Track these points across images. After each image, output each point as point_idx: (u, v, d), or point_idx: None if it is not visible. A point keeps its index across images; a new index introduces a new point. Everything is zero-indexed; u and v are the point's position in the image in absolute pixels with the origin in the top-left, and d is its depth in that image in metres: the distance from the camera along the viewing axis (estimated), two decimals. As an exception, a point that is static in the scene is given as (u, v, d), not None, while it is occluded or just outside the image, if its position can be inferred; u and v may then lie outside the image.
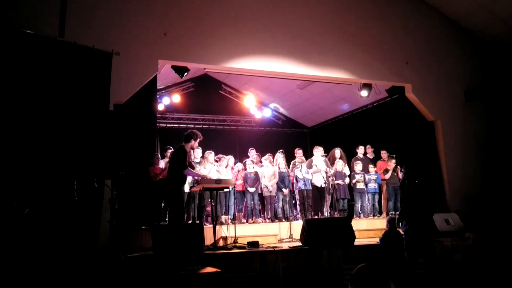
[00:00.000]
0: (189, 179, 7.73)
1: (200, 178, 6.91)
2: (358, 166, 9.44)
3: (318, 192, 8.87)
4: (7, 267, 4.10)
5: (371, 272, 2.11)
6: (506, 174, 9.69)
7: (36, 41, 4.91)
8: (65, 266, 4.45)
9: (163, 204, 7.92)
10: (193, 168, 7.94)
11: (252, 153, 9.57)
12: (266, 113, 14.51)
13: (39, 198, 4.50)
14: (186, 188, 7.87)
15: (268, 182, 8.67)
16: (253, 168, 8.82)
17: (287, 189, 8.86)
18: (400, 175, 5.97)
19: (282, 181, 8.83)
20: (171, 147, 8.63)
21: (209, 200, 7.52)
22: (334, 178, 8.99)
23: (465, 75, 10.13)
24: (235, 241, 6.56)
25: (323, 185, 8.77)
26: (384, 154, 9.98)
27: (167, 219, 7.65)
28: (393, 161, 9.45)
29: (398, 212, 9.16)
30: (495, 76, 10.18)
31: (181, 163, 6.25)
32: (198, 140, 6.56)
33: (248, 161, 9.12)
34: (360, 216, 9.19)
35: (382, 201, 9.74)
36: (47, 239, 4.47)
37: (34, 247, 4.35)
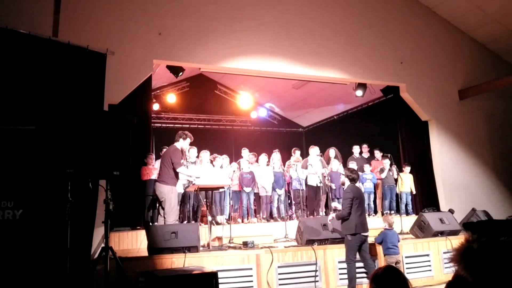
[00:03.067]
0: (184, 180, 7.72)
1: (193, 178, 6.89)
2: (353, 166, 9.44)
3: (313, 192, 8.88)
4: (1, 269, 4.08)
5: (395, 274, 2.21)
6: (500, 173, 9.76)
7: (29, 41, 4.89)
8: (59, 268, 4.43)
9: (157, 204, 7.90)
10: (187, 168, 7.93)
11: (245, 152, 9.54)
12: (262, 113, 14.52)
13: (33, 199, 4.48)
14: (180, 188, 7.86)
15: (264, 182, 8.67)
16: (249, 168, 8.83)
17: (282, 189, 8.87)
18: (344, 179, 6.13)
19: (277, 181, 8.84)
20: (166, 147, 8.61)
21: (205, 200, 7.51)
22: (329, 178, 9.01)
23: (459, 74, 10.20)
24: (231, 241, 6.56)
25: (318, 185, 8.79)
26: (377, 153, 10.01)
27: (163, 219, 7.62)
28: (388, 160, 9.48)
29: (387, 212, 9.25)
30: (488, 75, 10.23)
31: (174, 162, 6.23)
32: (187, 141, 6.51)
33: (243, 161, 9.12)
34: (355, 215, 9.20)
35: (377, 201, 9.77)
36: (41, 240, 4.45)
37: (28, 248, 4.33)
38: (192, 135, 6.60)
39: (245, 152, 9.58)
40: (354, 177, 5.97)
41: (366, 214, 9.06)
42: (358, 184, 9.20)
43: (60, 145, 4.83)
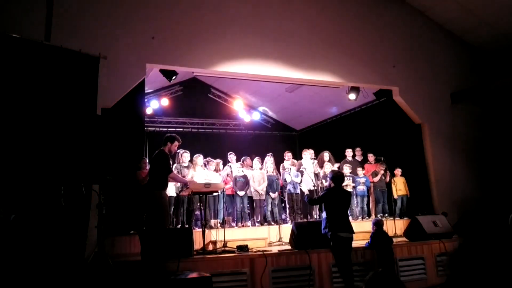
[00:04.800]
0: (177, 184, 7.70)
1: (184, 183, 6.84)
2: (347, 169, 9.47)
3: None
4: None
5: (387, 277, 2.20)
6: (493, 175, 9.82)
7: (22, 45, 4.87)
8: (53, 272, 4.40)
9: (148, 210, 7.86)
10: (179, 172, 7.91)
11: (231, 157, 9.52)
12: (255, 117, 14.53)
13: (25, 203, 4.45)
14: (171, 192, 7.85)
15: (258, 186, 8.67)
16: (243, 171, 8.82)
17: (276, 193, 8.87)
18: (327, 181, 6.24)
19: (271, 184, 8.83)
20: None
21: (198, 204, 7.48)
22: (323, 182, 9.02)
23: (451, 78, 10.26)
24: (225, 245, 6.54)
25: (312, 188, 8.79)
26: (371, 157, 10.05)
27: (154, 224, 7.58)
28: (384, 164, 9.51)
29: (381, 215, 9.29)
30: (481, 78, 10.32)
31: (163, 167, 6.17)
32: (175, 143, 6.44)
33: (237, 164, 9.11)
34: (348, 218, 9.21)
35: (371, 204, 9.79)
36: (34, 245, 4.41)
37: (20, 253, 4.29)
38: (180, 138, 6.54)
39: (231, 156, 9.53)
40: (337, 179, 5.99)
41: (360, 218, 9.17)
42: (350, 188, 9.31)
43: (52, 149, 4.80)
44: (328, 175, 6.23)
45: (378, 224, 6.63)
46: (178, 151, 8.02)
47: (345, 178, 9.33)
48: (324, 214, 5.95)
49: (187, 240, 5.75)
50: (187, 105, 13.53)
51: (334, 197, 5.86)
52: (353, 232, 5.88)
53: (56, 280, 4.36)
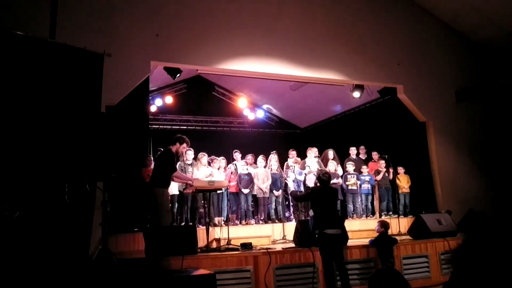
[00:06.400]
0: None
1: (189, 182, 6.85)
2: (351, 167, 9.46)
3: (311, 193, 8.87)
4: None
5: (391, 274, 2.19)
6: (498, 174, 9.77)
7: (26, 42, 4.87)
8: (57, 270, 4.42)
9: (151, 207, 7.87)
10: (182, 170, 7.91)
11: (237, 155, 9.53)
12: (259, 114, 14.52)
13: (30, 201, 4.46)
14: (175, 190, 7.86)
15: (262, 184, 8.67)
16: (247, 169, 8.82)
17: (280, 191, 8.87)
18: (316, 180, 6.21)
19: (275, 182, 8.83)
20: (161, 149, 8.61)
21: (202, 201, 7.50)
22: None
23: (456, 76, 10.20)
24: (228, 243, 6.55)
25: (315, 187, 8.79)
26: (375, 155, 10.03)
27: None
28: (384, 162, 9.49)
29: (385, 213, 9.28)
30: (486, 76, 10.26)
31: (169, 166, 6.18)
32: (184, 145, 6.47)
33: (242, 162, 9.11)
34: (353, 216, 9.22)
35: (375, 202, 9.78)
36: (38, 242, 4.43)
37: (25, 250, 4.31)
38: (189, 141, 6.58)
39: (236, 155, 9.54)
40: (323, 179, 5.98)
41: (364, 216, 9.17)
42: (354, 186, 9.29)
43: (57, 147, 4.81)
44: (315, 175, 6.22)
45: (385, 227, 6.59)
46: (182, 148, 8.05)
47: (349, 176, 9.38)
48: (311, 212, 5.95)
49: (191, 238, 5.76)
50: (191, 103, 13.55)
51: (320, 195, 5.84)
52: (341, 228, 5.84)
53: (60, 277, 4.38)
